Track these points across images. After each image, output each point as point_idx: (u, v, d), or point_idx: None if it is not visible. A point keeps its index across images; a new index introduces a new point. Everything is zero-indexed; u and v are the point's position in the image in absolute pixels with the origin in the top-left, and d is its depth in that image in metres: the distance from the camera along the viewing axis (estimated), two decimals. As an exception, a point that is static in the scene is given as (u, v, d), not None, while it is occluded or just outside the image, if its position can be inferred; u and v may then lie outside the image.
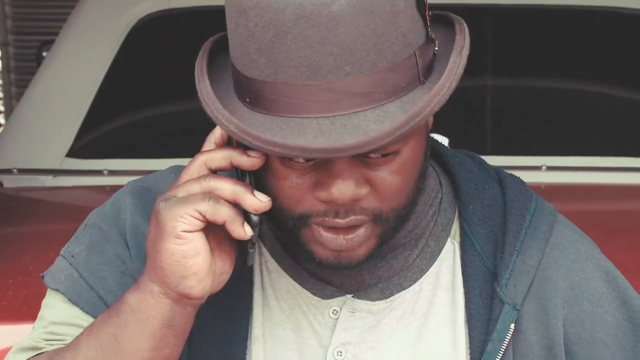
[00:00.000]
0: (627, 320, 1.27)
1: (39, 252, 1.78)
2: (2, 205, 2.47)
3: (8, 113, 6.55)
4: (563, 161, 2.46)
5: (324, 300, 1.27)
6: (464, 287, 1.27)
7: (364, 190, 1.14)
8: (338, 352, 1.26)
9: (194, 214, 1.11)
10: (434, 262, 1.28)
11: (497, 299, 1.24)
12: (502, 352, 1.22)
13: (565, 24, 2.82)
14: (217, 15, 1.20)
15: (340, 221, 1.15)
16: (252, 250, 1.18)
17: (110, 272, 1.28)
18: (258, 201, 1.13)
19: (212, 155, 1.16)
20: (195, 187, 1.13)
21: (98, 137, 2.65)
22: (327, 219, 1.15)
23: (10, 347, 1.35)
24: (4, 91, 6.83)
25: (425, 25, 1.15)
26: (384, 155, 1.14)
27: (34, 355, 1.23)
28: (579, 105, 2.77)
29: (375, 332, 1.26)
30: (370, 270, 1.26)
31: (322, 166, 1.14)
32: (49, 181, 2.54)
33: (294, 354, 1.27)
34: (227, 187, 1.12)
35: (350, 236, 1.16)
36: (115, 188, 1.31)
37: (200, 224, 1.11)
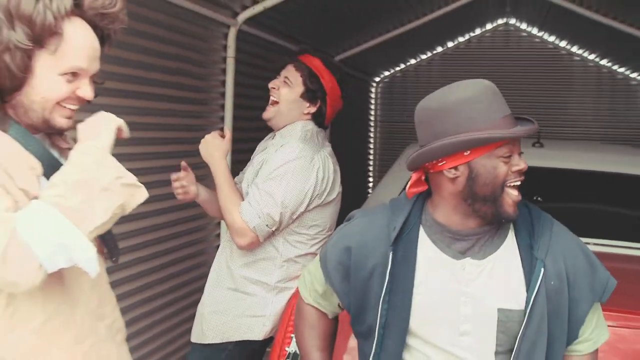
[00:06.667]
0: (592, 272, 1.65)
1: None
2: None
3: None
4: (600, 241, 3.10)
5: (456, 260, 1.64)
6: (519, 253, 1.64)
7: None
8: (466, 284, 1.61)
9: None
10: (504, 241, 1.67)
11: (534, 257, 1.60)
12: (539, 280, 1.58)
13: (600, 181, 3.55)
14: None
15: (519, 180, 1.60)
16: None
17: (337, 278, 1.78)
18: None
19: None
20: None
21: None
22: (513, 180, 1.59)
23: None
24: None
25: None
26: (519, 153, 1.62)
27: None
28: (603, 215, 3.51)
29: (482, 274, 1.63)
30: (477, 246, 1.64)
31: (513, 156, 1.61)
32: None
33: (441, 286, 1.62)
34: None
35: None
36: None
37: None
